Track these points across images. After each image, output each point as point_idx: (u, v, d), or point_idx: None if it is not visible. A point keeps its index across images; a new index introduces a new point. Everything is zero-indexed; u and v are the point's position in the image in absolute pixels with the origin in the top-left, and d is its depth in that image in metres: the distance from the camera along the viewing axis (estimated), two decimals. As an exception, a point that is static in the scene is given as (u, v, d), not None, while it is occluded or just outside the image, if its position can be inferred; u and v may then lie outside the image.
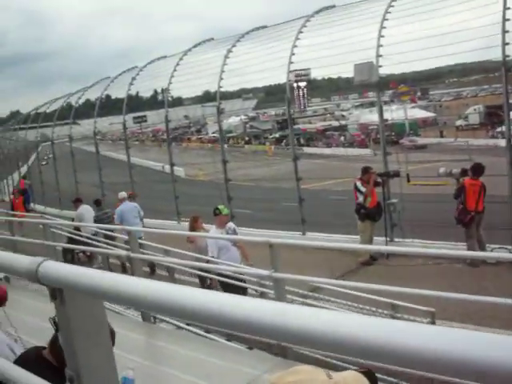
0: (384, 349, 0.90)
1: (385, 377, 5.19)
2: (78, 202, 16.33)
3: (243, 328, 1.11)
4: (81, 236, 10.83)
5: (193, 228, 11.36)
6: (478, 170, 12.67)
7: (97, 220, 14.10)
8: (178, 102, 27.63)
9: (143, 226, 15.14)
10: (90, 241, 10.24)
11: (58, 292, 1.55)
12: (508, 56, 12.31)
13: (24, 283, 9.58)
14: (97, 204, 15.59)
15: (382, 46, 14.58)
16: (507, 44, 12.20)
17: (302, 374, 1.40)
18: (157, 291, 1.31)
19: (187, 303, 1.20)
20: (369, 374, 1.49)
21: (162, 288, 1.32)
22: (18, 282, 9.50)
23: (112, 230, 11.27)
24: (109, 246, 9.91)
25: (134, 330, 7.23)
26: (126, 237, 8.92)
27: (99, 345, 1.61)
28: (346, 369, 1.51)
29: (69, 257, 14.01)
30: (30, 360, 2.16)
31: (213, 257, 8.97)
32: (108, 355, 1.64)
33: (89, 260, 14.15)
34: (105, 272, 1.55)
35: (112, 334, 2.79)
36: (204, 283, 9.73)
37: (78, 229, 12.02)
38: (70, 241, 12.02)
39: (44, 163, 37.11)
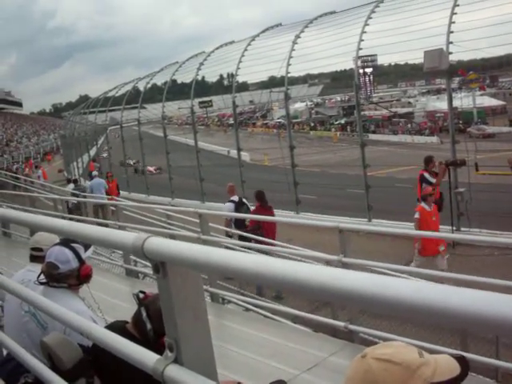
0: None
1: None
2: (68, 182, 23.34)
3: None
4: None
5: None
6: None
7: (73, 193, 18.41)
8: (243, 87, 27.75)
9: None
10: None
11: (160, 266, 1.67)
12: None
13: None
14: (74, 182, 21.90)
15: (452, 32, 14.30)
16: None
17: (394, 348, 1.44)
18: (254, 263, 1.41)
19: (286, 275, 1.29)
20: (462, 360, 1.51)
21: (260, 260, 1.42)
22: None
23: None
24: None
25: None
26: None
27: (197, 316, 1.72)
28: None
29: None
30: (115, 331, 2.29)
31: None
32: (204, 326, 1.74)
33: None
34: (204, 246, 1.66)
35: None
36: None
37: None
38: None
39: (105, 149, 38.25)
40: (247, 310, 7.90)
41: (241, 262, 1.45)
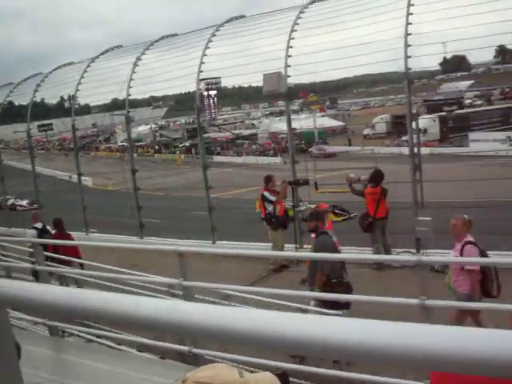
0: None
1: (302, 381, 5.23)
2: None
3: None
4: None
5: None
6: (376, 177, 13.16)
7: None
8: (85, 109, 27.09)
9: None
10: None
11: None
12: (410, 69, 12.83)
13: None
14: None
15: (290, 56, 14.78)
16: (409, 57, 12.70)
17: (214, 371, 1.41)
18: (66, 297, 1.28)
19: (97, 307, 1.19)
20: (283, 376, 1.51)
21: (74, 294, 1.30)
22: None
23: None
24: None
25: (42, 345, 6.99)
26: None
27: (3, 355, 1.55)
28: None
29: None
30: None
31: None
32: (13, 366, 1.57)
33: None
34: (8, 280, 1.50)
35: (18, 348, 2.70)
36: None
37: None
38: None
39: None
40: (90, 341, 7.58)
41: (50, 296, 1.32)
